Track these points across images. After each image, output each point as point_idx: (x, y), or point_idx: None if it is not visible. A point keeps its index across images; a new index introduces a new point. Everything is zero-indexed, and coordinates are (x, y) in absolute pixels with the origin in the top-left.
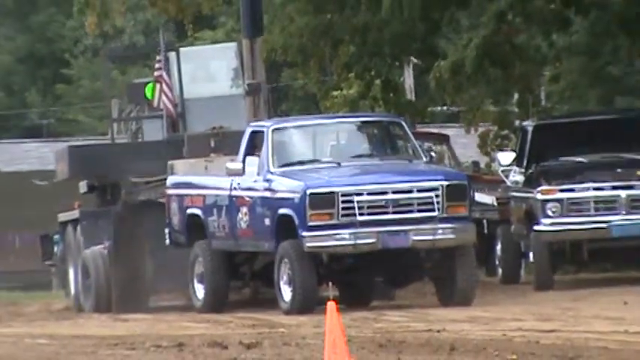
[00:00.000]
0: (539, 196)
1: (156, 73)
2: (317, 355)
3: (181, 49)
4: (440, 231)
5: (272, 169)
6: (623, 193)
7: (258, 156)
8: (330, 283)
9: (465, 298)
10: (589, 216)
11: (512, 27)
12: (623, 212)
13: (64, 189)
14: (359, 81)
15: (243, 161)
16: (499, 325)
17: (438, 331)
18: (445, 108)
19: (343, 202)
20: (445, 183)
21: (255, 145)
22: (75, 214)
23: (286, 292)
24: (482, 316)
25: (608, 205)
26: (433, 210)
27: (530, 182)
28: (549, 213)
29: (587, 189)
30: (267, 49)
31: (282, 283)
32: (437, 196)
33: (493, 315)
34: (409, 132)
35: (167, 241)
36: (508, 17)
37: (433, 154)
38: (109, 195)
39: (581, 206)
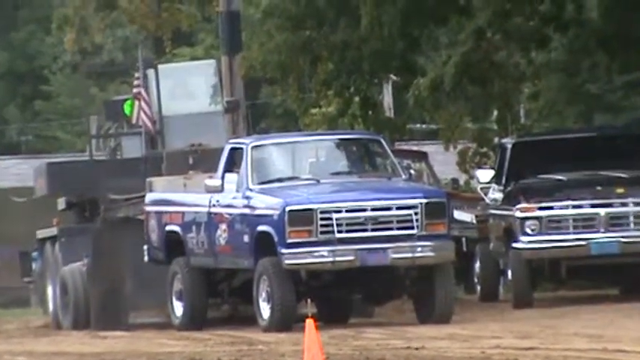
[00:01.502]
0: (518, 214)
1: (134, 90)
2: None
3: (160, 66)
4: (419, 249)
5: (251, 186)
6: (602, 211)
7: (237, 173)
8: (309, 300)
9: (444, 315)
10: (568, 234)
11: (491, 44)
12: (602, 230)
13: (42, 206)
14: (338, 98)
15: (222, 178)
16: (478, 342)
17: (417, 349)
18: (424, 125)
19: (322, 219)
20: (424, 201)
21: (234, 162)
22: (53, 231)
23: (265, 310)
24: (461, 333)
25: (587, 223)
26: (412, 228)
27: (509, 200)
28: (528, 231)
29: (566, 207)
30: (245, 65)
31: (260, 300)
32: (416, 213)
33: (472, 332)
34: (388, 149)
35: (146, 258)
36: (487, 34)
37: (412, 171)
38: (88, 212)
39: (560, 224)
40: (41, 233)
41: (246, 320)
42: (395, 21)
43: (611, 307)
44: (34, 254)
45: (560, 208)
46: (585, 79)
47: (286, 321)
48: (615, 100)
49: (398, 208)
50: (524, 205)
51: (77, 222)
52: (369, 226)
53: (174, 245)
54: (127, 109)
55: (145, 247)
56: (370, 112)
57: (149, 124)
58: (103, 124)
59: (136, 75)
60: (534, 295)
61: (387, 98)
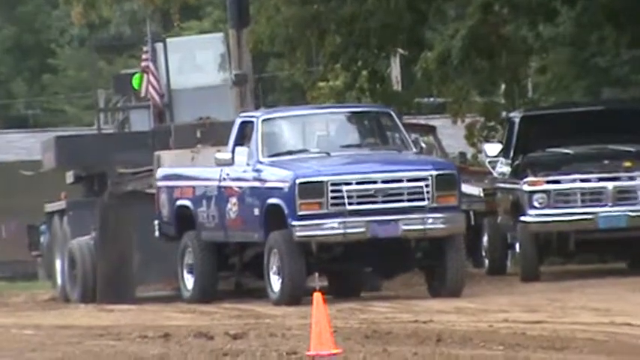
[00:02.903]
0: (526, 188)
1: (143, 64)
2: (303, 345)
3: (168, 40)
4: (430, 220)
5: (261, 159)
6: (609, 185)
7: (248, 146)
8: (317, 274)
9: (455, 288)
10: (575, 207)
11: (498, 17)
12: (610, 204)
13: (50, 179)
14: (345, 72)
15: (233, 151)
16: (485, 316)
17: (425, 322)
18: (432, 99)
19: (332, 191)
20: (434, 173)
21: (244, 136)
22: (62, 204)
23: (275, 283)
24: (469, 307)
25: (594, 197)
26: (423, 200)
27: (517, 173)
28: (536, 204)
29: (574, 180)
30: (253, 39)
31: (271, 273)
32: (427, 185)
33: (479, 306)
34: (399, 122)
35: (157, 234)
36: (494, 8)
37: (423, 144)
38: (96, 185)
39: (568, 197)
40: (49, 207)
41: (252, 293)
42: None
43: (618, 281)
44: (42, 228)
45: (568, 182)
46: (593, 53)
47: (296, 294)
48: (623, 74)
49: (408, 180)
50: (531, 178)
51: (85, 195)
52: (380, 198)
53: (185, 220)
54: (135, 82)
55: (156, 222)
56: (378, 86)
57: (157, 97)
58: (111, 97)
59: (145, 49)
60: (542, 269)
61: (395, 72)
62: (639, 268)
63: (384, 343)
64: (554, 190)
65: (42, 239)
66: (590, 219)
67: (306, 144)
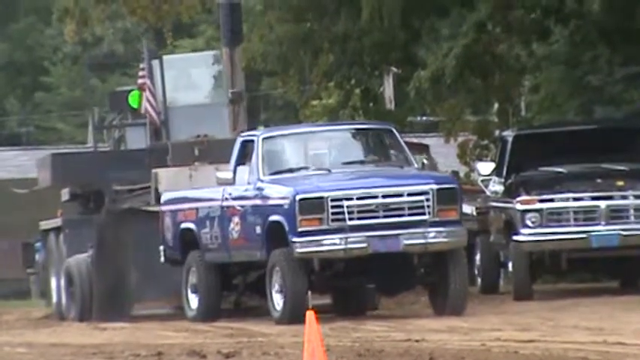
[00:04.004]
0: (519, 206)
1: (140, 81)
2: None
3: (165, 57)
4: (431, 235)
5: (262, 177)
6: (602, 204)
7: (249, 165)
8: (309, 292)
9: (458, 304)
10: (568, 226)
11: (492, 36)
12: (603, 222)
13: (43, 197)
14: (338, 90)
15: (234, 171)
16: (478, 335)
17: (417, 341)
18: (425, 117)
19: (333, 207)
20: (435, 187)
21: (246, 155)
22: (58, 221)
23: (278, 301)
24: (461, 325)
25: (587, 216)
26: (424, 214)
27: (510, 192)
28: (529, 223)
29: (567, 199)
30: (246, 57)
31: (273, 291)
32: (427, 199)
33: (472, 325)
34: (400, 139)
35: (162, 259)
36: (488, 27)
37: (425, 161)
38: (92, 203)
39: (561, 216)
40: (45, 224)
41: (251, 312)
42: (396, 12)
43: (611, 300)
44: (37, 245)
45: (561, 201)
46: (586, 72)
47: (299, 312)
48: (616, 92)
49: (409, 195)
50: (524, 197)
51: (81, 213)
52: (381, 213)
53: (189, 243)
54: (131, 100)
55: (161, 247)
56: (371, 104)
57: (154, 115)
58: (105, 115)
59: (141, 66)
60: (534, 288)
61: (388, 90)
62: (632, 287)
63: None
64: (547, 209)
65: (37, 257)
66: (582, 238)
67: (307, 161)
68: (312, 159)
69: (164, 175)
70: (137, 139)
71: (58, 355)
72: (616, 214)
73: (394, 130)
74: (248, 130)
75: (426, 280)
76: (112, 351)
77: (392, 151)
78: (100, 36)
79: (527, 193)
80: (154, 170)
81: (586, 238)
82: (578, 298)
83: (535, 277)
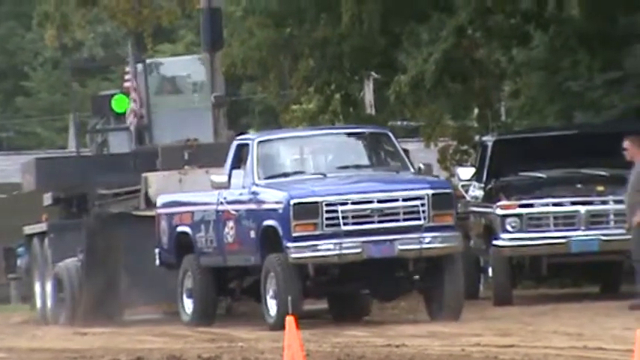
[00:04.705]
0: (499, 211)
1: (126, 84)
2: None
3: (148, 61)
4: (426, 240)
5: (257, 181)
6: (582, 209)
7: (244, 169)
8: (290, 297)
9: (454, 310)
10: (548, 231)
11: (471, 42)
12: (583, 228)
13: (24, 202)
14: (318, 95)
15: (229, 175)
16: (458, 340)
17: (397, 346)
18: (405, 122)
19: (327, 211)
20: (431, 192)
21: (241, 159)
22: (42, 226)
23: (272, 307)
24: (442, 331)
25: (567, 221)
26: (419, 219)
27: (490, 197)
28: (509, 228)
29: (547, 204)
30: (226, 62)
31: (268, 297)
32: (422, 204)
33: (452, 330)
34: (396, 143)
35: (157, 262)
36: (468, 32)
37: (422, 165)
38: (75, 207)
39: (541, 221)
40: (29, 229)
41: (243, 317)
42: (375, 18)
43: (591, 305)
44: (19, 250)
45: (541, 206)
46: (566, 77)
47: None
48: (596, 98)
49: (404, 200)
50: (504, 202)
51: (64, 218)
52: (376, 218)
53: (184, 247)
54: (115, 104)
55: (157, 250)
56: (351, 109)
57: (133, 118)
58: (86, 120)
59: (127, 69)
60: (514, 293)
61: (368, 95)
62: (612, 292)
63: None
64: (527, 214)
65: (19, 262)
66: (562, 243)
67: (302, 165)
68: (308, 163)
69: (154, 179)
70: (120, 143)
71: None
72: (596, 220)
73: (390, 135)
74: (238, 134)
75: (421, 285)
76: (91, 356)
77: (388, 156)
78: (81, 41)
79: (507, 198)
80: (144, 174)
81: (566, 244)
82: (558, 304)
83: (515, 283)
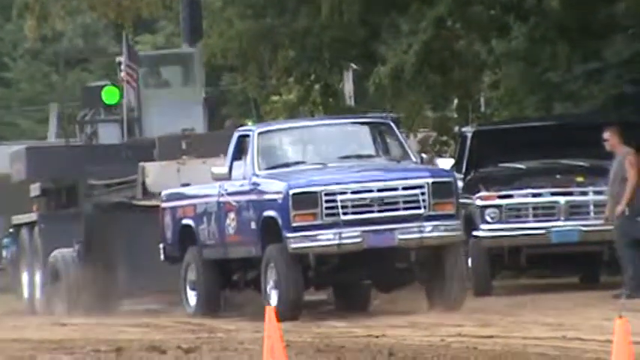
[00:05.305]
0: (478, 202)
1: (123, 75)
2: None
3: (140, 53)
4: (427, 229)
5: (257, 172)
6: (561, 200)
7: (245, 160)
8: (269, 289)
9: (456, 300)
10: (528, 222)
11: (451, 33)
12: (562, 218)
13: (6, 192)
14: (298, 86)
15: (230, 166)
16: (438, 330)
17: (377, 337)
18: (385, 114)
19: (327, 201)
20: (431, 180)
21: (242, 150)
22: (32, 216)
23: (273, 297)
24: (422, 321)
25: (546, 212)
26: (419, 208)
27: (470, 188)
28: (488, 219)
29: (526, 195)
30: (206, 53)
31: (268, 287)
32: (422, 193)
33: (432, 320)
34: (398, 133)
35: (162, 257)
36: (447, 23)
37: (424, 155)
38: (65, 198)
39: (520, 212)
40: (17, 219)
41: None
42: (355, 9)
43: (570, 296)
44: (5, 241)
45: (520, 197)
46: (546, 68)
47: (294, 308)
48: (575, 89)
49: (404, 188)
50: (484, 193)
51: (52, 209)
52: (376, 208)
53: (188, 240)
54: (105, 95)
55: (161, 245)
56: (331, 100)
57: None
58: (67, 111)
59: (120, 60)
60: (494, 284)
61: (348, 86)
62: (591, 282)
63: (336, 358)
64: (507, 204)
65: (4, 252)
66: (542, 234)
67: (303, 156)
68: (309, 153)
69: (151, 168)
70: (109, 134)
71: (18, 351)
72: (575, 210)
73: (392, 124)
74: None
75: (422, 275)
76: (72, 346)
77: (389, 145)
78: (61, 32)
79: (487, 189)
80: (141, 164)
81: (546, 234)
82: (537, 294)
83: (495, 273)
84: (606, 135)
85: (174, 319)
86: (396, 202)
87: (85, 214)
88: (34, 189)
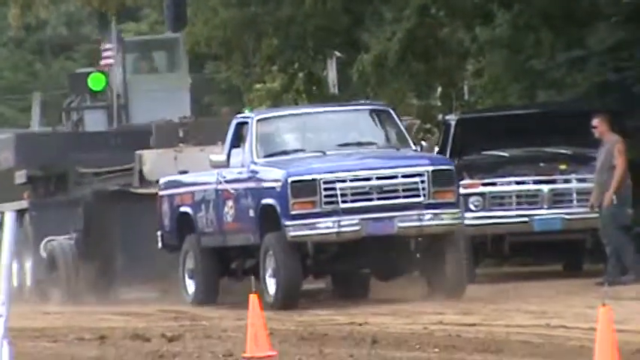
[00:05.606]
0: (462, 190)
1: (107, 61)
2: (239, 347)
3: (126, 39)
4: (426, 217)
5: (256, 160)
6: (545, 188)
7: (243, 148)
8: (253, 277)
9: (456, 289)
10: (511, 210)
11: (435, 20)
12: (545, 206)
13: None
14: (282, 74)
15: (229, 153)
16: (421, 318)
17: (360, 325)
18: (368, 101)
19: (326, 189)
20: (431, 168)
21: (240, 137)
22: (22, 204)
23: (271, 286)
24: (405, 309)
25: (530, 200)
26: (419, 196)
27: None
28: (471, 207)
29: (510, 183)
30: (190, 41)
31: (267, 276)
32: (422, 181)
33: (415, 308)
34: (398, 120)
35: (159, 245)
36: (431, 11)
37: (424, 143)
38: (53, 186)
39: (504, 200)
40: (3, 207)
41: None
42: None
43: (553, 284)
44: None
45: (504, 185)
46: (529, 56)
47: (292, 297)
48: (559, 76)
49: (404, 176)
50: (467, 181)
51: (41, 196)
52: (375, 196)
53: (186, 227)
54: (91, 82)
55: (159, 233)
56: (314, 88)
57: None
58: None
59: (108, 46)
60: (477, 271)
61: (332, 74)
62: (574, 270)
63: (319, 345)
64: (490, 192)
65: None
66: (525, 222)
67: (302, 144)
68: (308, 141)
69: (149, 156)
70: (95, 121)
71: None
72: (559, 198)
73: (392, 111)
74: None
75: (422, 264)
76: (55, 334)
77: (389, 133)
78: (45, 20)
79: (470, 177)
80: (138, 152)
81: (529, 222)
82: (520, 282)
83: (478, 261)
84: (595, 122)
85: (158, 307)
86: (396, 190)
87: (84, 202)
88: (20, 176)
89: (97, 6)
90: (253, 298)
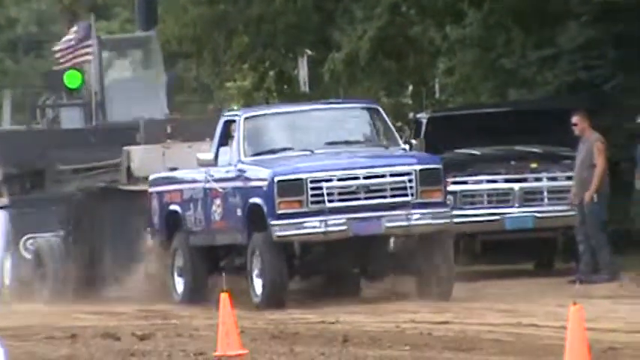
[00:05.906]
0: None
1: (86, 57)
2: (210, 346)
3: (102, 37)
4: (414, 216)
5: (243, 159)
6: (516, 186)
7: (231, 146)
8: (224, 274)
9: (444, 289)
10: (482, 208)
11: (406, 19)
12: (517, 205)
13: None
14: (253, 72)
15: (217, 152)
16: (392, 316)
17: (332, 323)
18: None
19: (312, 188)
20: (418, 167)
21: (228, 135)
22: (4, 201)
23: (258, 285)
24: (377, 307)
25: (501, 198)
26: (406, 195)
27: None
28: None
29: (481, 181)
30: (161, 39)
31: (254, 275)
32: (410, 180)
33: (387, 307)
34: (386, 119)
35: (149, 242)
36: (402, 9)
37: (414, 141)
38: (29, 183)
39: (475, 199)
40: None
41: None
42: None
43: (524, 282)
44: None
45: (475, 183)
46: (500, 55)
47: (278, 296)
48: (530, 75)
49: (391, 175)
50: None
51: (17, 193)
52: (362, 195)
53: (175, 226)
54: (67, 80)
55: (148, 229)
56: (285, 87)
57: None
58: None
59: (88, 43)
60: None
61: (302, 73)
62: (546, 269)
63: (290, 344)
64: (461, 191)
65: None
66: (496, 220)
67: (290, 142)
68: (296, 139)
69: (136, 153)
70: (71, 119)
71: None
72: (530, 197)
73: (380, 110)
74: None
75: (410, 264)
76: (27, 333)
77: (378, 131)
78: (15, 18)
79: None
80: (125, 148)
81: (500, 221)
82: (492, 280)
83: None
84: (575, 119)
85: (129, 306)
86: (383, 190)
87: (72, 199)
88: None
89: (67, 4)
90: (224, 297)
